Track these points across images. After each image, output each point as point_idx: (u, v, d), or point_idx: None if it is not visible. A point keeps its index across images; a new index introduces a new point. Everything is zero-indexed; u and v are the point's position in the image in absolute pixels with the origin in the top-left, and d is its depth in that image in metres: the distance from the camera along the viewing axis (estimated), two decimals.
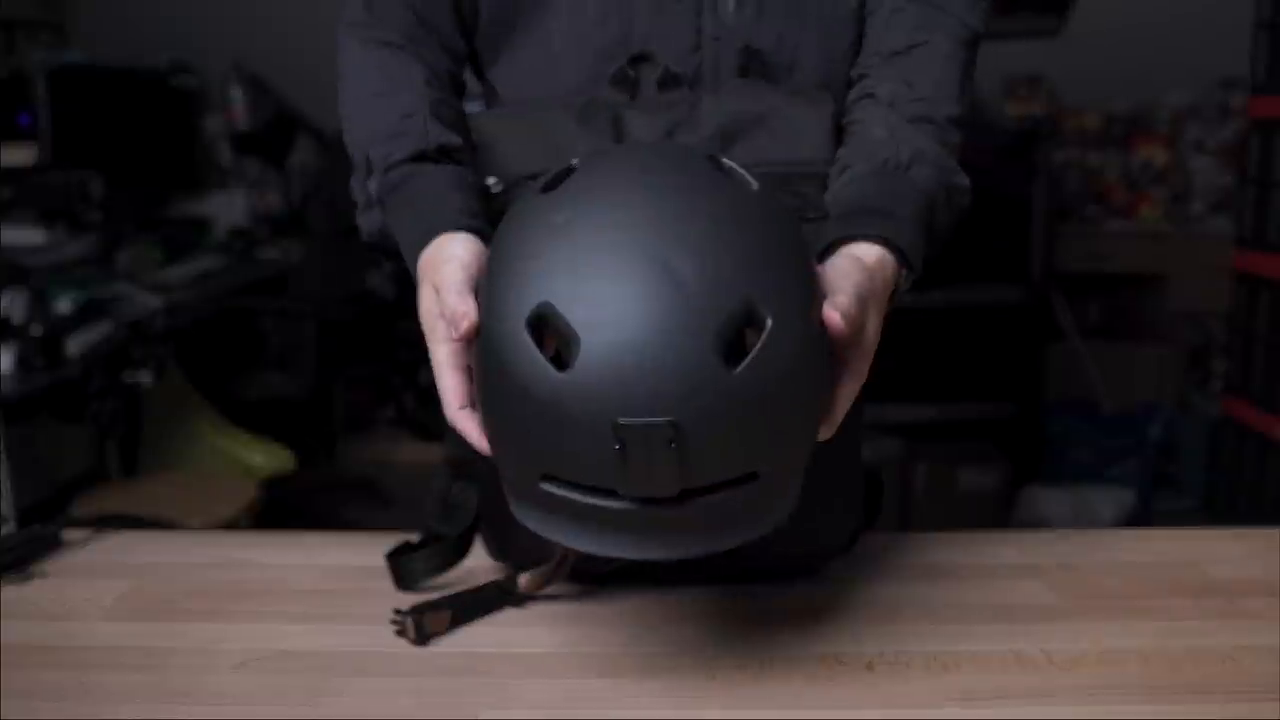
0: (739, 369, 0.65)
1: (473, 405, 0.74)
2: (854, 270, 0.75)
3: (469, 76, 0.96)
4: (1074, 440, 3.17)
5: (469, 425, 0.73)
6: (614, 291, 0.65)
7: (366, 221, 0.87)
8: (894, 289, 0.80)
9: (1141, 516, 2.99)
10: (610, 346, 0.64)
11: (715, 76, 0.89)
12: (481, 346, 0.70)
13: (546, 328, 0.67)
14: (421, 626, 0.83)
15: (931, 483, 2.95)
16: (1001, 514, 2.91)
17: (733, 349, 0.65)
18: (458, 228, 0.79)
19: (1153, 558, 0.99)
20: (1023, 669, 0.79)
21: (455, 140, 0.85)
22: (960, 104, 0.88)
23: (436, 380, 0.75)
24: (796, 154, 0.86)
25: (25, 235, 2.42)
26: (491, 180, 0.86)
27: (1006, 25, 2.90)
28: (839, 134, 0.89)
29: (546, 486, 0.69)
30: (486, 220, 0.80)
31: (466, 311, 0.71)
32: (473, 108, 0.92)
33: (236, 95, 3.07)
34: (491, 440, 0.72)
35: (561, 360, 0.66)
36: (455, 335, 0.71)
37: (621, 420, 0.64)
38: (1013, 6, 2.94)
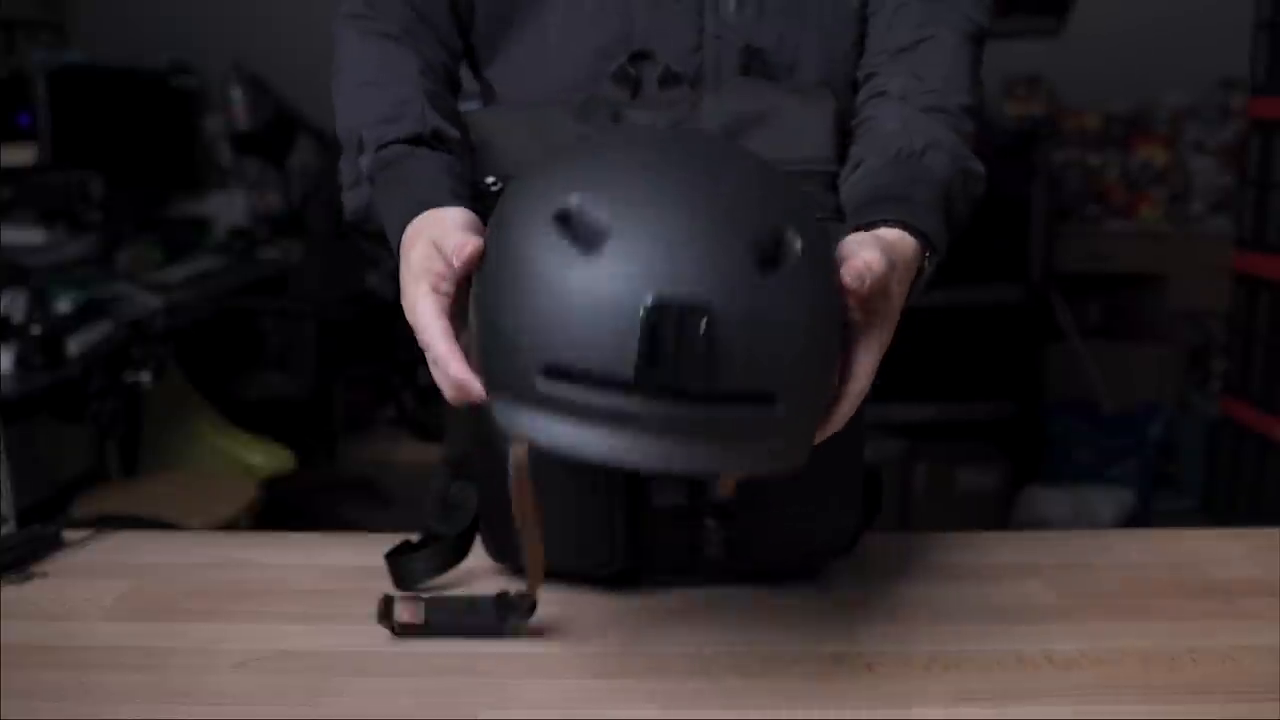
0: (772, 277, 0.64)
1: (466, 353, 0.70)
2: (875, 241, 0.75)
3: (465, 75, 0.96)
4: (1074, 440, 3.18)
5: (453, 356, 0.70)
6: (647, 180, 0.64)
7: (352, 199, 0.86)
8: (919, 272, 0.79)
9: (1141, 516, 2.99)
10: (645, 226, 0.62)
11: (716, 75, 0.89)
12: (490, 257, 0.68)
13: (572, 226, 0.64)
14: (390, 613, 0.82)
15: (931, 483, 2.95)
16: (1001, 514, 2.91)
17: (765, 259, 0.64)
18: (452, 205, 0.77)
19: (1153, 558, 0.99)
20: (1023, 669, 0.79)
21: (451, 131, 0.85)
22: (971, 94, 0.88)
23: (417, 322, 0.72)
24: (798, 152, 0.86)
25: (25, 235, 2.42)
26: (490, 179, 0.86)
27: (1006, 25, 2.90)
28: (841, 133, 0.89)
29: (548, 384, 0.63)
30: (480, 212, 0.79)
31: (472, 239, 0.69)
32: (469, 107, 0.92)
33: (236, 95, 3.07)
34: (485, 346, 0.68)
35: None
36: (458, 262, 0.69)
37: (656, 296, 0.61)
38: (1012, 6, 2.93)
